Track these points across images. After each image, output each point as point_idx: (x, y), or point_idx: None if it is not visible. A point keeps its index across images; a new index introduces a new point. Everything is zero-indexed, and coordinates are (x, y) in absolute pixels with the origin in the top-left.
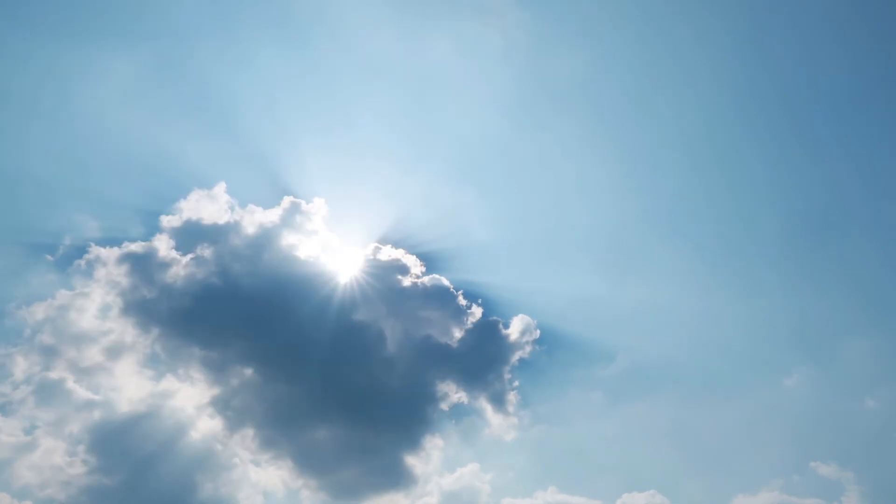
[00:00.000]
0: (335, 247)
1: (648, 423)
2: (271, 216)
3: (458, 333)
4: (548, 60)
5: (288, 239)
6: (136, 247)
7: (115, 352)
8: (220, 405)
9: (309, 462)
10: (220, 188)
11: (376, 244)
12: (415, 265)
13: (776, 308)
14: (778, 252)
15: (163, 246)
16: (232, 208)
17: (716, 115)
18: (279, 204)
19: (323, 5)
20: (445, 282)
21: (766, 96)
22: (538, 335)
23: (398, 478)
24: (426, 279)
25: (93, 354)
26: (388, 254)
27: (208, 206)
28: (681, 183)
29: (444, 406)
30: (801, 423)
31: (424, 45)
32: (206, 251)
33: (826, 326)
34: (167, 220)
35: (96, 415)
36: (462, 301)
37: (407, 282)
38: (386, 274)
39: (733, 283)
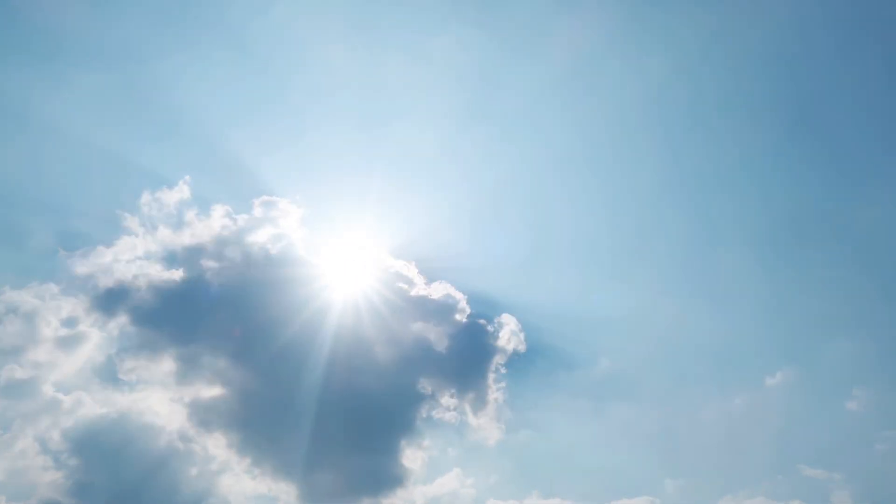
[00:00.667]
0: (312, 247)
1: (632, 427)
2: (244, 216)
3: (443, 338)
4: (504, 74)
5: (262, 238)
6: (103, 248)
7: (83, 354)
8: (193, 408)
9: (288, 468)
10: (184, 184)
11: (357, 246)
12: (400, 268)
13: (757, 311)
14: (757, 256)
15: (131, 246)
16: (198, 208)
17: (692, 121)
18: (250, 206)
19: (277, 22)
20: (429, 284)
21: (740, 103)
22: (522, 340)
23: (382, 483)
24: (412, 283)
25: (62, 356)
26: (371, 256)
27: (175, 206)
28: (661, 189)
29: (428, 411)
30: (784, 426)
31: (378, 57)
32: (176, 250)
33: (805, 329)
34: (133, 222)
35: (66, 416)
36: (447, 305)
37: (392, 285)
38: (371, 276)
39: (714, 286)
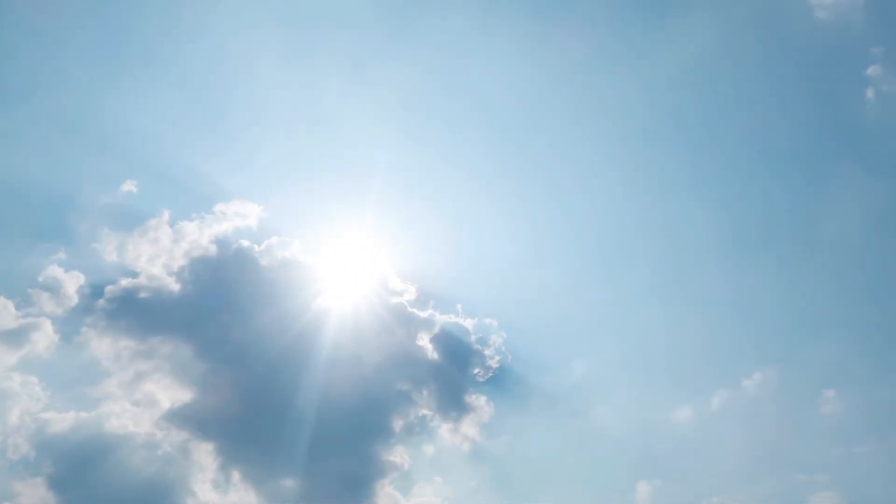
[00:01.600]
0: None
1: (611, 430)
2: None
3: (421, 344)
4: (440, 99)
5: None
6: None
7: (43, 357)
8: (154, 413)
9: (258, 476)
10: (134, 188)
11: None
12: (381, 274)
13: (733, 314)
14: (732, 259)
15: (94, 249)
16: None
17: (673, 128)
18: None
19: (210, 49)
20: (410, 289)
21: (719, 113)
22: (504, 345)
23: (358, 491)
24: (392, 290)
25: (17, 356)
26: (349, 261)
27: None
28: (638, 195)
29: (405, 419)
30: (761, 427)
31: (316, 75)
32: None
33: (783, 330)
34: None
35: (24, 420)
36: (427, 311)
37: (372, 292)
38: (350, 281)
39: (690, 289)
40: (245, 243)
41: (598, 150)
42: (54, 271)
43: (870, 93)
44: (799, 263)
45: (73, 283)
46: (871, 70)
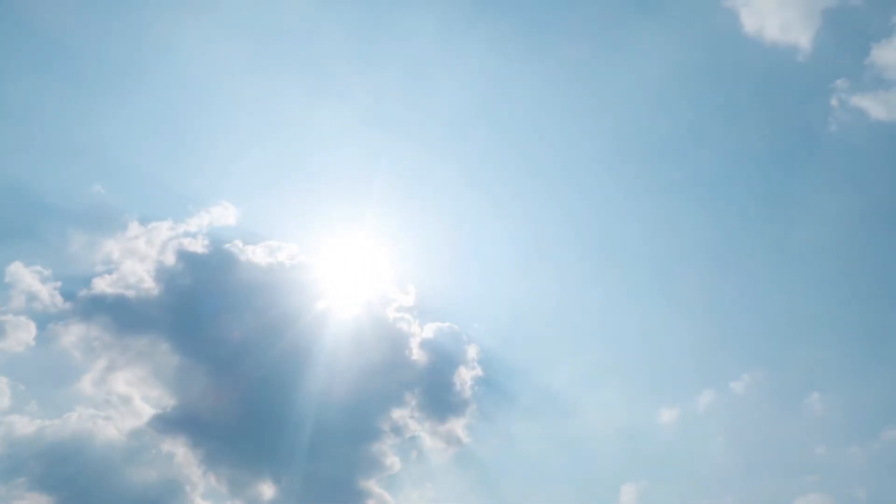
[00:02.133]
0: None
1: (598, 433)
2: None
3: (412, 348)
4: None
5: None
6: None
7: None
8: (132, 418)
9: (247, 484)
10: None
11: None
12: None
13: (722, 316)
14: (717, 261)
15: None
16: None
17: (650, 128)
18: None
19: (178, 65)
20: (402, 296)
21: (693, 111)
22: (491, 350)
23: (349, 496)
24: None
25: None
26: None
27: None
28: (626, 199)
29: (395, 424)
30: (750, 430)
31: (277, 87)
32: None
33: (772, 333)
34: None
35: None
36: (415, 317)
37: (357, 294)
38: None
39: (679, 292)
40: (221, 246)
41: (589, 154)
42: (26, 271)
43: (834, 101)
44: (785, 267)
45: (46, 284)
46: (839, 82)
